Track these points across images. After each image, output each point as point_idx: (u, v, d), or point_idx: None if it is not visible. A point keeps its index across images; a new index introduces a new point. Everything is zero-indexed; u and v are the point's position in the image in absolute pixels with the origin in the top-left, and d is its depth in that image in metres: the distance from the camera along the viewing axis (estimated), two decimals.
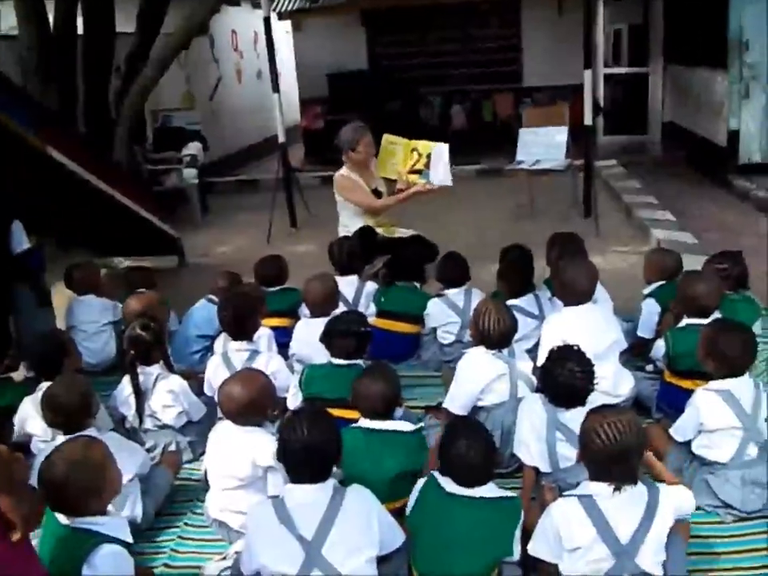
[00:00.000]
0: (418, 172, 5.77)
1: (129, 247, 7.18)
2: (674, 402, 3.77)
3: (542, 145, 8.48)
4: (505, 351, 3.79)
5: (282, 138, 8.82)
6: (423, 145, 5.82)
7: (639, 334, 4.65)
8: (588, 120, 8.21)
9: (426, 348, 5.09)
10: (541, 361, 3.59)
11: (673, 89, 12.60)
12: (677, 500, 2.76)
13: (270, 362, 4.13)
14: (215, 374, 4.15)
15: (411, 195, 5.74)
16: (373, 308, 5.19)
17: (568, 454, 3.22)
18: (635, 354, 4.57)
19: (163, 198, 8.81)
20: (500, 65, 13.91)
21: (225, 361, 4.18)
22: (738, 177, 9.40)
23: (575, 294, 4.02)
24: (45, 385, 3.98)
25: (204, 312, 5.08)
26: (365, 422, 3.31)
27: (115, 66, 9.35)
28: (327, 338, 3.93)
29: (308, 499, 2.66)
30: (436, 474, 2.94)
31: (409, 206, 6.10)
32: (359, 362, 3.90)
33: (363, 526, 2.66)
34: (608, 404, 3.12)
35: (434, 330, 5.02)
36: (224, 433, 3.41)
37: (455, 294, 4.96)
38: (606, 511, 2.60)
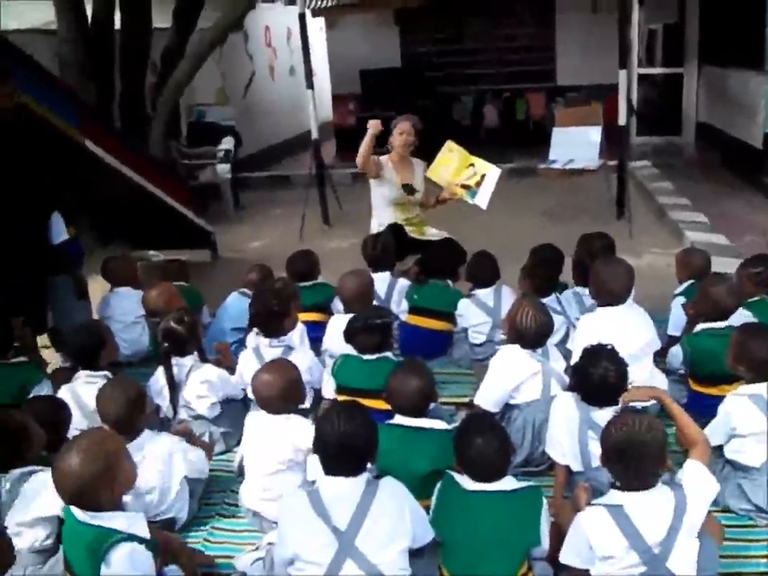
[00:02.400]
0: (467, 187, 5.80)
1: (164, 241, 7.25)
2: (704, 410, 3.67)
3: (576, 144, 8.49)
4: (539, 350, 3.80)
5: (315, 135, 8.88)
6: (481, 163, 5.86)
7: (669, 333, 4.63)
8: (622, 120, 8.16)
9: (458, 346, 5.11)
10: (574, 360, 3.60)
11: (707, 90, 12.48)
12: (704, 494, 2.75)
13: (303, 359, 4.16)
14: (247, 368, 4.19)
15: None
16: (405, 304, 5.22)
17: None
18: (662, 354, 4.49)
19: (197, 192, 8.87)
20: (533, 64, 13.90)
21: (257, 356, 4.22)
22: None
23: (611, 294, 4.02)
24: (82, 374, 4.09)
25: (238, 305, 5.13)
26: (399, 419, 3.34)
27: (151, 62, 9.45)
28: (349, 336, 3.97)
29: (343, 491, 2.70)
30: (452, 473, 2.96)
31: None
32: (388, 354, 3.95)
33: (396, 517, 2.69)
34: (635, 408, 3.15)
35: (465, 329, 5.04)
36: (261, 420, 3.48)
37: (485, 293, 4.98)
38: (635, 519, 2.61)
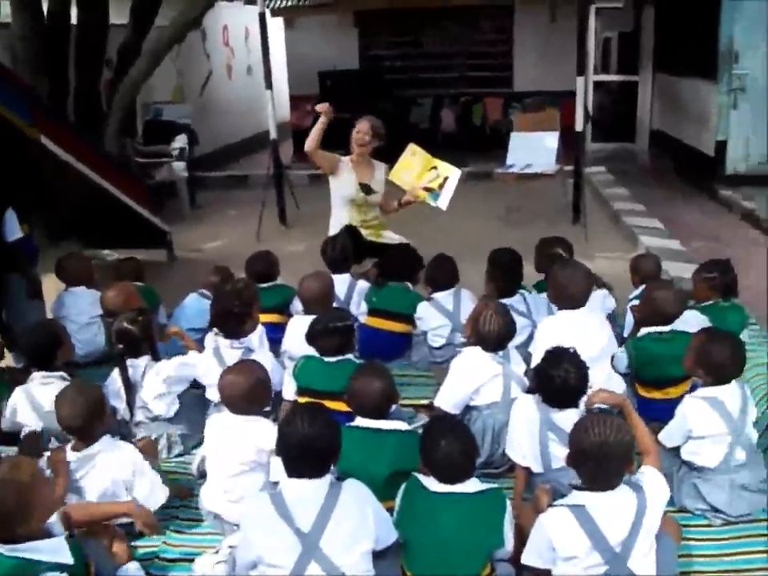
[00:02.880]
0: (430, 190, 5.80)
1: (119, 239, 7.14)
2: (652, 414, 3.74)
3: (533, 149, 8.57)
4: (500, 352, 3.82)
5: (273, 135, 8.83)
6: (443, 165, 5.85)
7: (625, 336, 4.66)
8: (579, 126, 8.26)
9: (417, 349, 5.10)
10: (535, 362, 3.63)
11: (661, 97, 12.71)
12: (660, 497, 2.80)
13: (263, 361, 4.11)
14: (208, 370, 4.14)
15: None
16: (364, 306, 5.21)
17: (560, 454, 3.23)
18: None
19: (153, 191, 8.76)
20: (491, 69, 13.99)
21: (217, 357, 4.17)
22: (725, 186, 9.50)
23: (570, 298, 4.06)
24: (37, 375, 4.00)
25: (196, 305, 5.09)
26: (360, 421, 3.33)
27: (107, 58, 9.31)
28: (311, 339, 3.94)
29: (306, 493, 2.68)
30: (417, 474, 2.96)
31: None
32: (350, 356, 3.93)
33: (359, 519, 2.68)
34: (602, 409, 3.18)
35: (425, 332, 5.05)
36: (224, 421, 3.44)
37: (444, 296, 4.97)
38: (598, 520, 2.63)
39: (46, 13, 8.30)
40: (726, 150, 9.88)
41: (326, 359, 3.90)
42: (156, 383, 4.04)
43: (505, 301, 4.57)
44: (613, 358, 4.12)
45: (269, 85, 8.68)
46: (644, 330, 4.15)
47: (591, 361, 3.46)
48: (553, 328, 4.02)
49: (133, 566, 2.98)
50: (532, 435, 3.38)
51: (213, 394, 4.01)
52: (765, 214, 8.31)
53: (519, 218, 8.75)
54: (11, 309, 5.06)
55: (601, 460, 2.67)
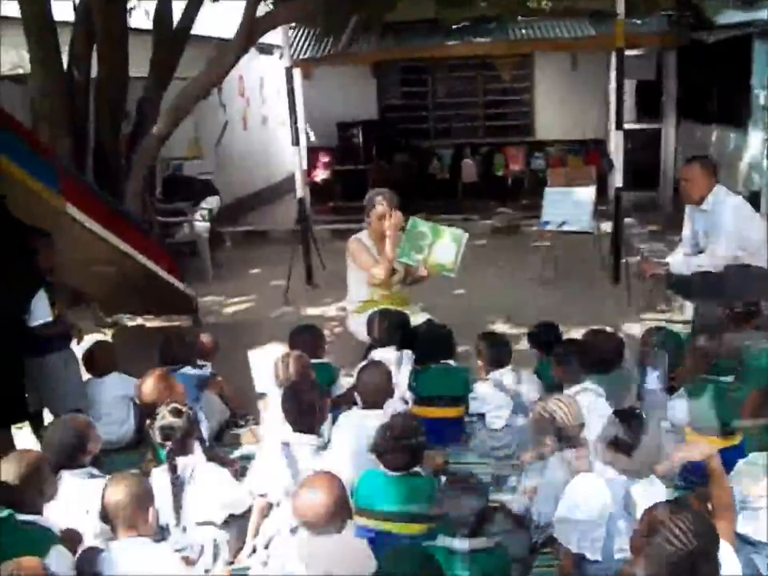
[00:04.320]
0: (440, 263, 5.54)
1: (141, 305, 6.82)
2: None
3: (569, 205, 8.27)
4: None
5: (300, 193, 8.53)
6: (450, 232, 5.57)
7: None
8: (619, 181, 7.97)
9: (474, 435, 4.75)
10: None
11: (686, 146, 12.46)
12: None
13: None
14: (269, 467, 3.75)
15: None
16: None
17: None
18: None
19: (173, 250, 8.44)
20: (511, 118, 13.76)
21: (285, 453, 3.75)
22: None
23: None
24: (65, 474, 3.65)
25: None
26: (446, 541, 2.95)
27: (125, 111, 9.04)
28: (378, 452, 3.54)
29: None
30: None
31: None
32: (417, 469, 3.55)
33: None
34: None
35: (482, 414, 4.70)
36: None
37: (503, 373, 4.68)
38: None
39: (65, 66, 8.07)
40: (760, 200, 9.58)
41: (390, 473, 3.51)
42: (204, 487, 3.65)
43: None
44: None
45: (296, 141, 8.39)
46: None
47: None
48: None
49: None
50: (601, 518, 2.98)
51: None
52: None
53: (555, 278, 8.39)
54: (48, 389, 4.69)
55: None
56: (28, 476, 3.15)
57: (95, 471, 3.78)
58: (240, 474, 4.12)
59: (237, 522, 3.76)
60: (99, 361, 5.07)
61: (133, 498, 3.14)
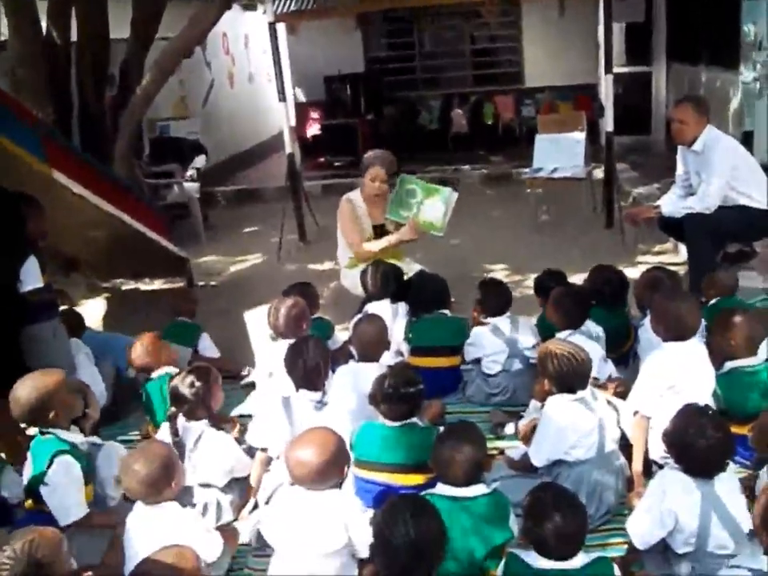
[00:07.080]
0: (430, 221, 5.56)
1: (136, 270, 6.80)
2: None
3: (560, 152, 8.22)
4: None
5: (289, 149, 8.45)
6: (441, 191, 5.58)
7: None
8: (610, 126, 7.90)
9: (470, 382, 4.76)
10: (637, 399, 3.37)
11: (677, 88, 12.35)
12: None
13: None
14: (270, 422, 3.74)
15: (395, 242, 5.59)
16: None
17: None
18: None
19: (165, 212, 8.39)
20: (500, 66, 13.64)
21: (286, 409, 3.73)
22: None
23: (684, 328, 3.67)
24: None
25: None
26: (443, 489, 2.97)
27: (108, 75, 8.91)
28: (376, 401, 3.53)
29: None
30: (515, 551, 2.63)
31: None
32: (415, 420, 3.55)
33: None
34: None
35: (477, 360, 4.70)
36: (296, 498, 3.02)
37: (501, 321, 4.67)
38: None
39: (44, 32, 7.92)
40: (753, 140, 9.52)
41: (389, 423, 3.51)
42: (209, 453, 3.67)
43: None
44: None
45: (282, 97, 8.29)
46: (730, 365, 3.77)
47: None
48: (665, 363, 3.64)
49: None
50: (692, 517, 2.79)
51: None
52: None
53: (548, 225, 8.38)
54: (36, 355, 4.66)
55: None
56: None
57: (98, 441, 3.73)
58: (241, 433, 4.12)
59: (239, 484, 3.78)
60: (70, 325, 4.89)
61: (163, 466, 3.07)
